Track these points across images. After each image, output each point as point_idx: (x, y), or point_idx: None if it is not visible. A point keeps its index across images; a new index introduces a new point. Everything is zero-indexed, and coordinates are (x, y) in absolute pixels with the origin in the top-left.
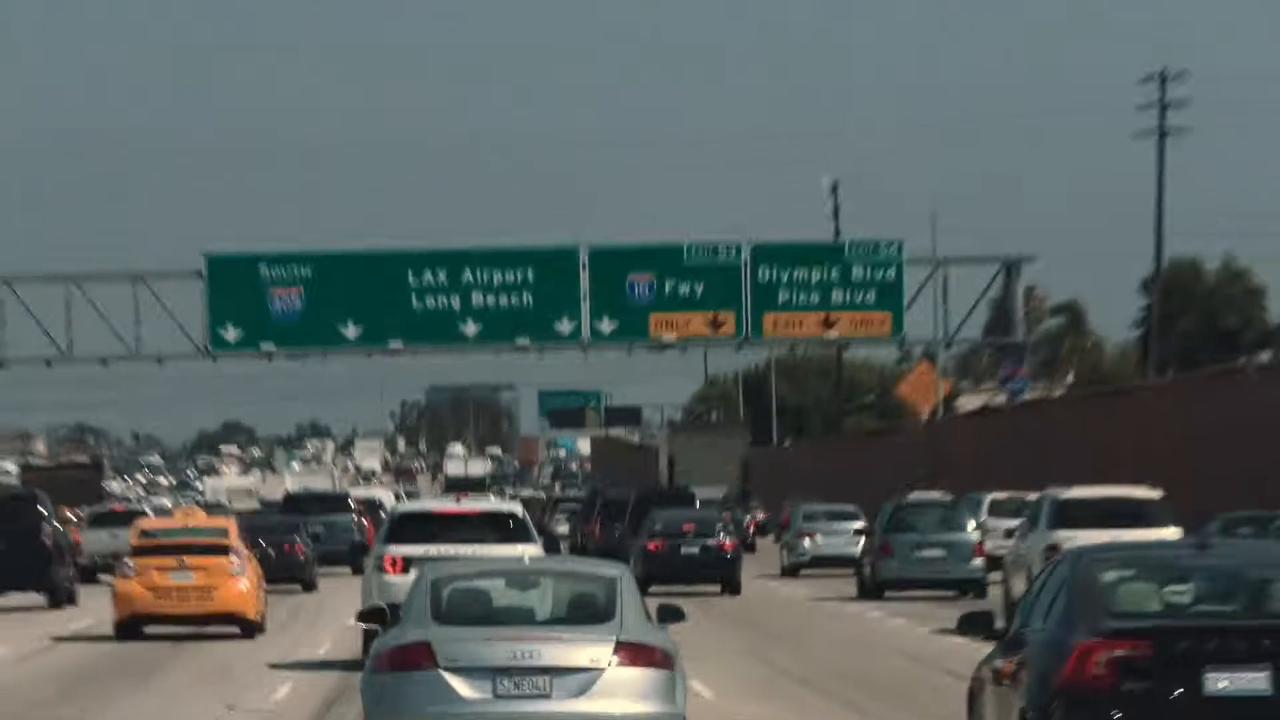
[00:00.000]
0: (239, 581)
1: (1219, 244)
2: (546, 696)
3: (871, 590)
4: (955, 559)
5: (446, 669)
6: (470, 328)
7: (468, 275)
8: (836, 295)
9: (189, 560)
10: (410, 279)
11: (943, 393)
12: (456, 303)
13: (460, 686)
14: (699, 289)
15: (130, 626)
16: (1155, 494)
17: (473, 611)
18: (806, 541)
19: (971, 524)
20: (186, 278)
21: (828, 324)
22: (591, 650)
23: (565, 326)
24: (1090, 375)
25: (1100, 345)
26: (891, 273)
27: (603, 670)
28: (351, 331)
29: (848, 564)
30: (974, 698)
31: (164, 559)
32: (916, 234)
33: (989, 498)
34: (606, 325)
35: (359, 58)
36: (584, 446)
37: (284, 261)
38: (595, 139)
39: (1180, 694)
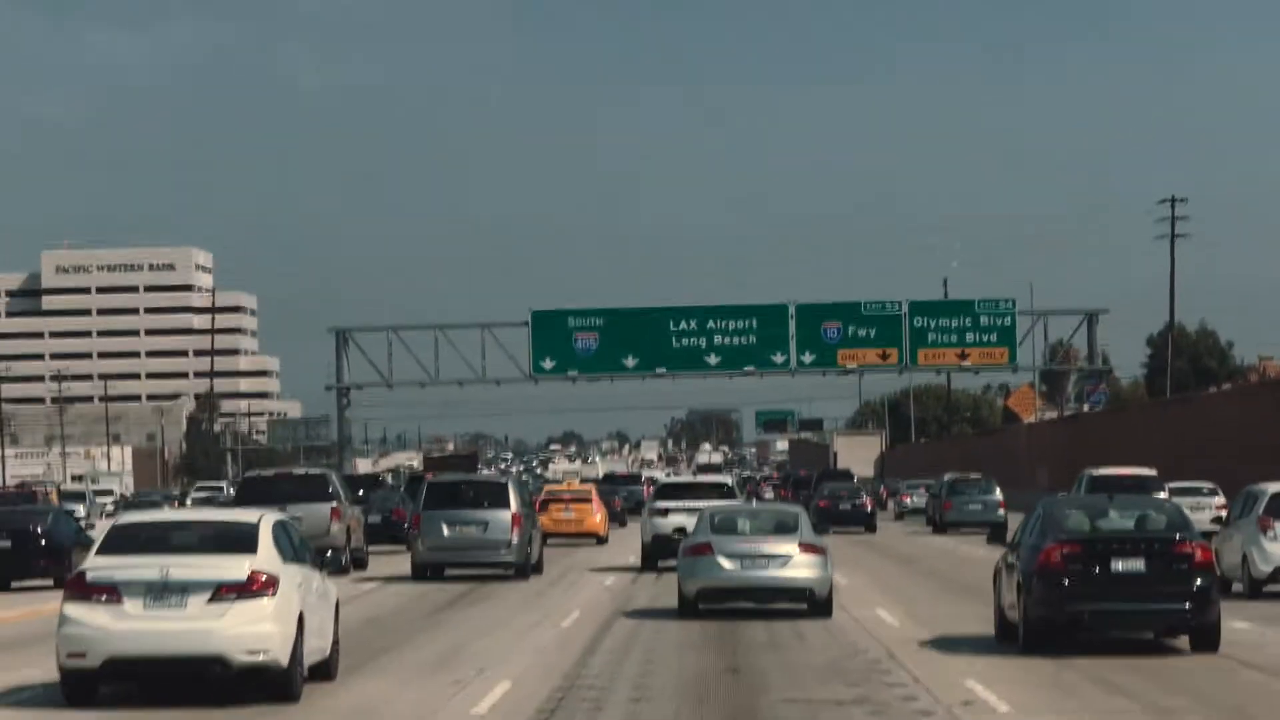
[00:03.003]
0: (596, 516)
1: (1197, 314)
2: (766, 568)
3: (939, 527)
4: (988, 510)
5: (719, 554)
6: (713, 359)
7: (711, 323)
8: (969, 336)
9: (572, 505)
10: (672, 326)
11: (1038, 405)
12: (703, 342)
13: (725, 563)
14: (872, 332)
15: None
16: (1152, 472)
17: (728, 527)
18: (907, 500)
19: (998, 491)
20: (517, 327)
21: (962, 357)
22: (787, 546)
23: (779, 359)
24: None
25: (1118, 380)
26: (1008, 320)
27: (792, 556)
28: (631, 362)
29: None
30: (995, 576)
31: (558, 504)
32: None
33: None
34: (807, 357)
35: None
36: (780, 445)
37: (585, 315)
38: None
39: (1098, 570)
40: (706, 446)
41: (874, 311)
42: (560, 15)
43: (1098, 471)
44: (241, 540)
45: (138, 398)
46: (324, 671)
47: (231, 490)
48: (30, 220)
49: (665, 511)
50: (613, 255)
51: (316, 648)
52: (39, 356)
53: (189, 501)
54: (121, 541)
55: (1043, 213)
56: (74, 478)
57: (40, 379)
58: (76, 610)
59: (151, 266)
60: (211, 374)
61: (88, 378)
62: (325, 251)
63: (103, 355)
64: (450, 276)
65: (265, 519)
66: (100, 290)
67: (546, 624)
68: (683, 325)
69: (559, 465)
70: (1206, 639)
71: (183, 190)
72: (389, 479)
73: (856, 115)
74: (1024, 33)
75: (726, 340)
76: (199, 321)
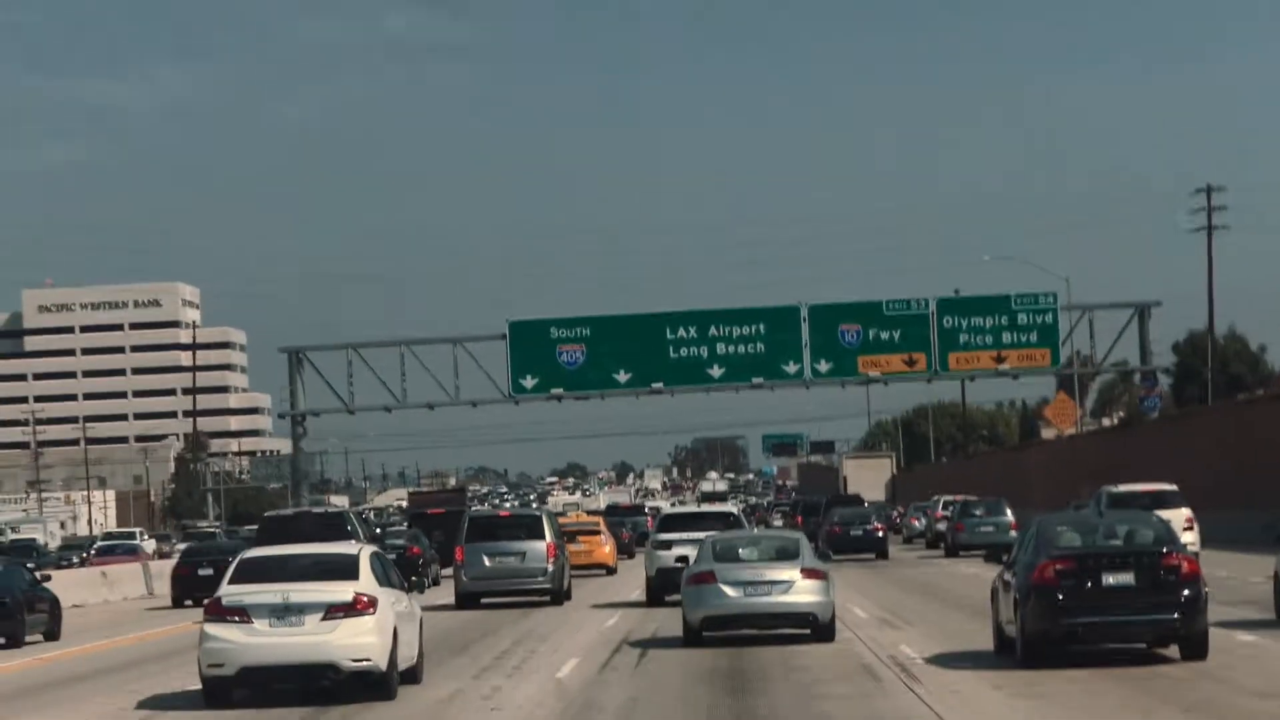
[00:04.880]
0: (605, 547)
1: (1224, 317)
2: (768, 595)
3: (952, 550)
4: (1000, 532)
5: (721, 582)
6: (716, 371)
7: (713, 330)
8: (1006, 337)
9: (580, 537)
10: (668, 334)
11: (1079, 415)
12: (705, 352)
13: (729, 590)
14: (896, 335)
15: None
16: (1173, 487)
17: (730, 555)
18: (916, 523)
19: (1009, 512)
20: (493, 340)
21: (999, 360)
22: (789, 572)
23: (791, 368)
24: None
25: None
26: (1049, 317)
27: (794, 581)
28: (623, 377)
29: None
30: (994, 594)
31: (566, 537)
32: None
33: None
34: (823, 366)
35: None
36: (772, 468)
37: (569, 324)
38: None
39: (1090, 584)
40: (713, 474)
41: (898, 311)
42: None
43: (1116, 488)
44: (345, 568)
45: (124, 439)
46: (412, 676)
47: (224, 535)
48: (11, 258)
49: (669, 544)
50: (599, 262)
51: (406, 656)
52: (22, 399)
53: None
54: (248, 572)
55: (1068, 205)
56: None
57: (23, 423)
58: (215, 629)
59: (136, 304)
60: (195, 412)
61: (72, 420)
62: (314, 284)
63: (88, 396)
64: (421, 292)
65: (364, 550)
66: (84, 329)
67: (585, 631)
68: (680, 333)
69: (558, 498)
70: (1195, 648)
71: (167, 229)
72: (370, 516)
73: (864, 108)
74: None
75: (731, 349)
76: (186, 359)
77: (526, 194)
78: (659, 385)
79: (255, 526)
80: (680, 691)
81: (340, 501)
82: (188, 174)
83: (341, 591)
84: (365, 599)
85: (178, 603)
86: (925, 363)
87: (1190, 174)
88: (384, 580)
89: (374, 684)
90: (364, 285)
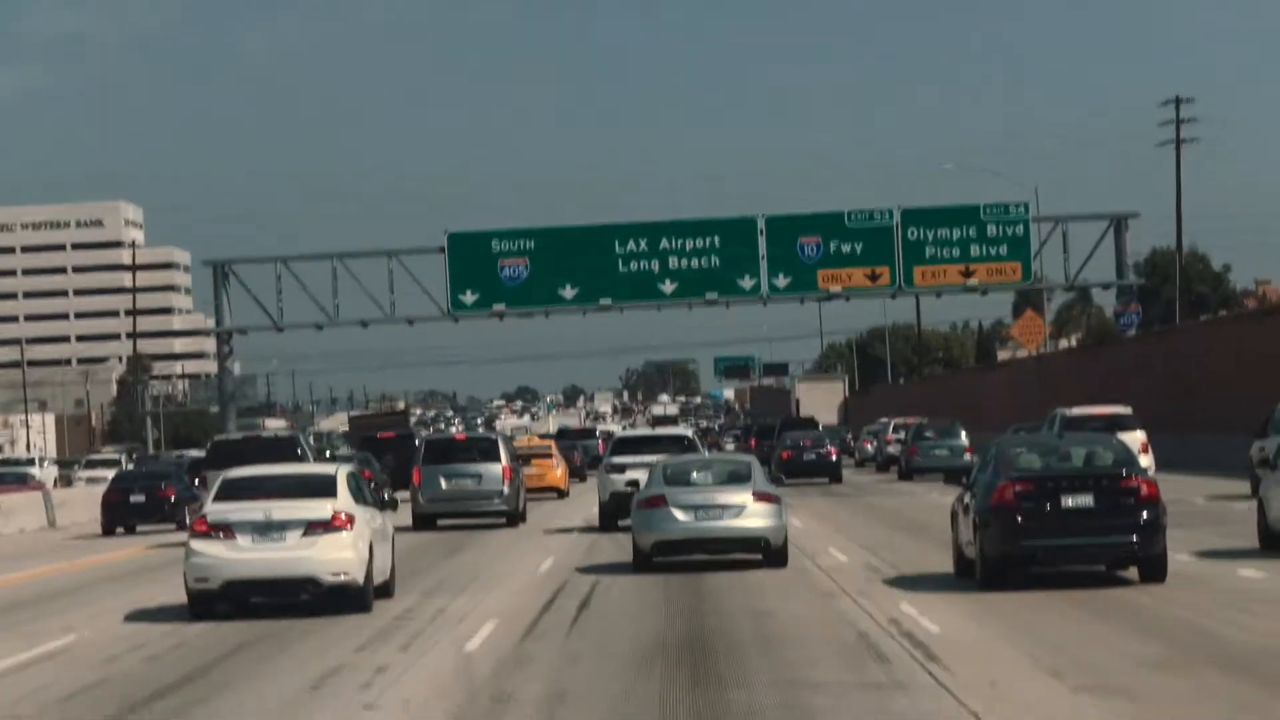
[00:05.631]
0: (557, 471)
1: (1192, 235)
2: (720, 519)
3: (905, 474)
4: (954, 455)
5: (672, 506)
6: (668, 287)
7: (665, 243)
8: (974, 250)
9: (532, 460)
10: (617, 247)
11: (1047, 333)
12: (656, 266)
13: (679, 515)
14: (858, 248)
15: None
16: (1127, 410)
17: (681, 479)
18: (868, 446)
19: (964, 435)
20: (431, 254)
21: (967, 274)
22: (740, 496)
23: (747, 283)
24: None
25: (1101, 311)
26: (1020, 229)
27: (746, 506)
28: (569, 293)
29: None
30: (953, 516)
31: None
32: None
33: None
34: (781, 281)
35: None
36: (729, 394)
37: (512, 236)
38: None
39: (1050, 506)
40: (664, 398)
41: (860, 223)
42: None
43: (1071, 411)
44: (323, 487)
45: (68, 362)
46: (385, 590)
47: (129, 463)
48: None
49: (622, 467)
50: (546, 180)
51: (380, 570)
52: None
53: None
54: (231, 490)
55: (1035, 120)
56: None
57: None
58: (200, 545)
59: (78, 223)
60: (135, 334)
61: (14, 342)
62: (257, 202)
63: (29, 318)
64: (355, 205)
65: (340, 470)
66: (25, 249)
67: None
68: (630, 246)
69: (507, 421)
70: (1153, 570)
71: (110, 148)
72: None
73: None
74: None
75: (684, 263)
76: (129, 279)
77: (478, 106)
78: (607, 301)
79: (182, 451)
80: (624, 681)
81: (276, 424)
82: (141, 101)
83: (320, 509)
84: (343, 516)
85: (108, 531)
86: (889, 277)
87: (1162, 86)
88: (360, 498)
89: (351, 597)
90: (307, 204)
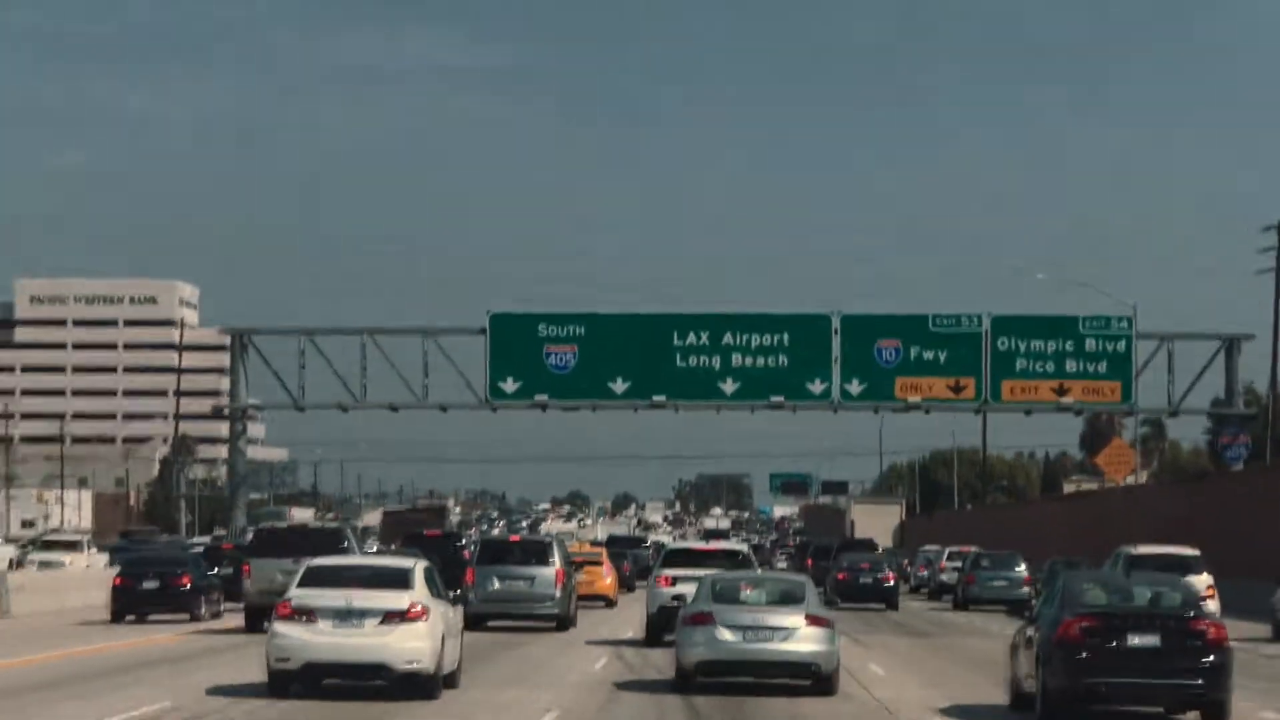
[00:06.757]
0: (607, 580)
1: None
2: (770, 641)
3: (961, 603)
4: (1013, 586)
5: (719, 624)
6: (729, 386)
7: (728, 338)
8: (1070, 365)
9: (583, 568)
10: (675, 340)
11: (1138, 464)
12: (717, 363)
13: (726, 634)
14: (942, 355)
15: None
16: (1195, 552)
17: (730, 596)
18: (923, 572)
19: (1023, 566)
20: (471, 335)
21: (1061, 391)
22: (792, 618)
23: (817, 388)
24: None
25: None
26: (1122, 345)
27: (797, 629)
28: (620, 387)
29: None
30: (1013, 649)
31: None
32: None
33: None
34: (855, 387)
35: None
36: (779, 511)
37: (560, 321)
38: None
39: (1115, 644)
40: (717, 510)
41: (945, 328)
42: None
43: (1136, 550)
44: (401, 579)
45: (113, 440)
46: (452, 681)
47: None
48: (3, 247)
49: (673, 580)
50: (592, 264)
51: (449, 661)
52: (9, 392)
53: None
54: (314, 578)
55: (1134, 237)
56: (23, 523)
57: (9, 416)
58: (283, 627)
59: (132, 300)
60: (178, 415)
61: (59, 416)
62: (322, 281)
63: (77, 393)
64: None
65: (417, 564)
66: (77, 323)
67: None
68: (690, 339)
69: (552, 525)
70: (1217, 714)
71: (168, 226)
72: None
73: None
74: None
75: (748, 361)
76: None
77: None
78: (661, 399)
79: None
80: None
81: (302, 516)
82: (192, 178)
83: (398, 600)
84: (419, 607)
85: (117, 618)
86: (975, 390)
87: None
88: (434, 592)
89: (420, 685)
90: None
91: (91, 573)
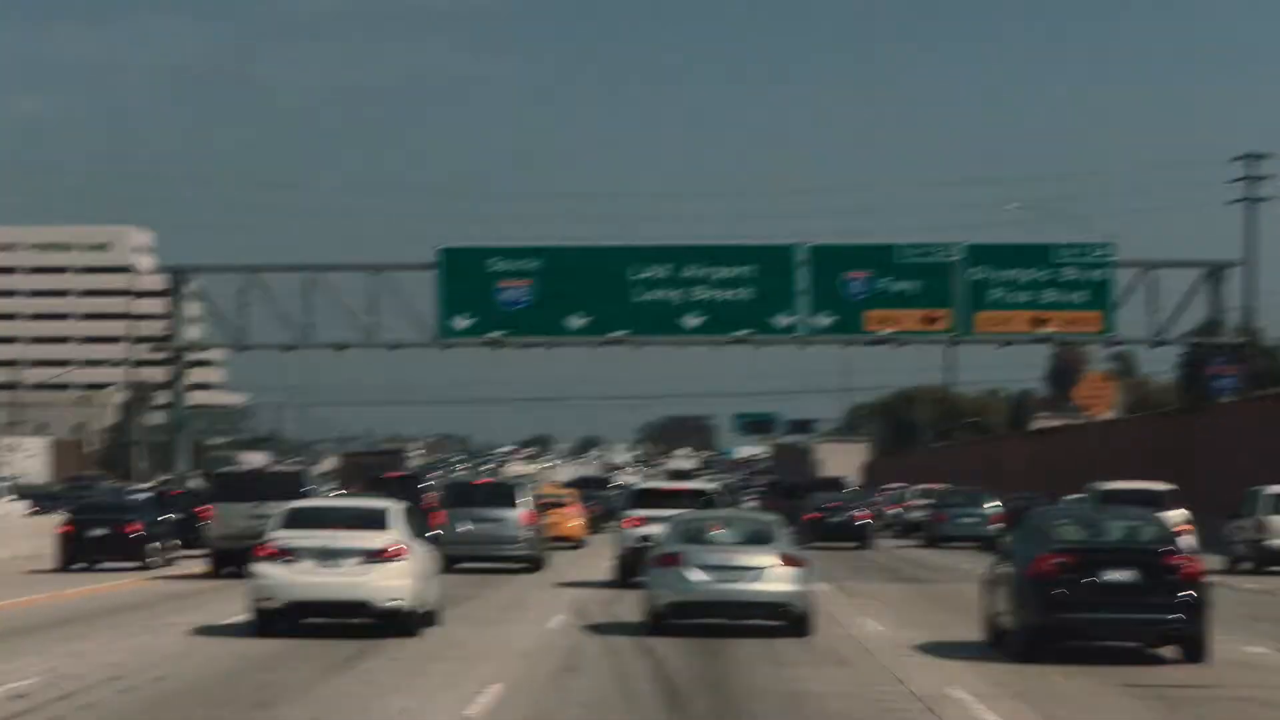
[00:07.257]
0: (575, 521)
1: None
2: (740, 581)
3: (931, 541)
4: (983, 523)
5: (689, 565)
6: (691, 321)
7: (689, 270)
8: (1047, 295)
9: (550, 510)
10: (634, 273)
11: (1117, 397)
12: (678, 296)
13: (695, 575)
14: (914, 287)
15: None
16: (1167, 486)
17: (699, 536)
18: (890, 511)
19: (993, 503)
20: (420, 271)
21: (1038, 322)
22: (764, 557)
23: (782, 321)
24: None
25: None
26: (1101, 274)
27: (769, 568)
28: (577, 322)
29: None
30: (985, 586)
31: None
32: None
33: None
34: (823, 320)
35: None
36: (741, 452)
37: (514, 255)
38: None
39: (1089, 580)
40: (682, 451)
41: (916, 257)
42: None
43: (1107, 485)
44: (380, 520)
45: (68, 387)
46: (431, 619)
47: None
48: None
49: (641, 521)
50: (553, 195)
51: (427, 600)
52: None
53: None
54: (295, 520)
55: (1104, 168)
56: None
57: None
58: (265, 568)
59: (87, 247)
60: (130, 361)
61: (11, 364)
62: (278, 230)
63: (32, 340)
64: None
65: (393, 506)
66: (30, 270)
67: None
68: (650, 273)
69: (514, 468)
70: (1195, 649)
71: (121, 174)
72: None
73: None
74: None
75: (711, 294)
76: (137, 305)
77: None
78: (621, 334)
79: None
80: None
81: (253, 459)
82: (151, 124)
83: (378, 539)
84: (399, 546)
85: (65, 567)
86: (948, 321)
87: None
88: (412, 533)
89: (400, 622)
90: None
91: (10, 520)
